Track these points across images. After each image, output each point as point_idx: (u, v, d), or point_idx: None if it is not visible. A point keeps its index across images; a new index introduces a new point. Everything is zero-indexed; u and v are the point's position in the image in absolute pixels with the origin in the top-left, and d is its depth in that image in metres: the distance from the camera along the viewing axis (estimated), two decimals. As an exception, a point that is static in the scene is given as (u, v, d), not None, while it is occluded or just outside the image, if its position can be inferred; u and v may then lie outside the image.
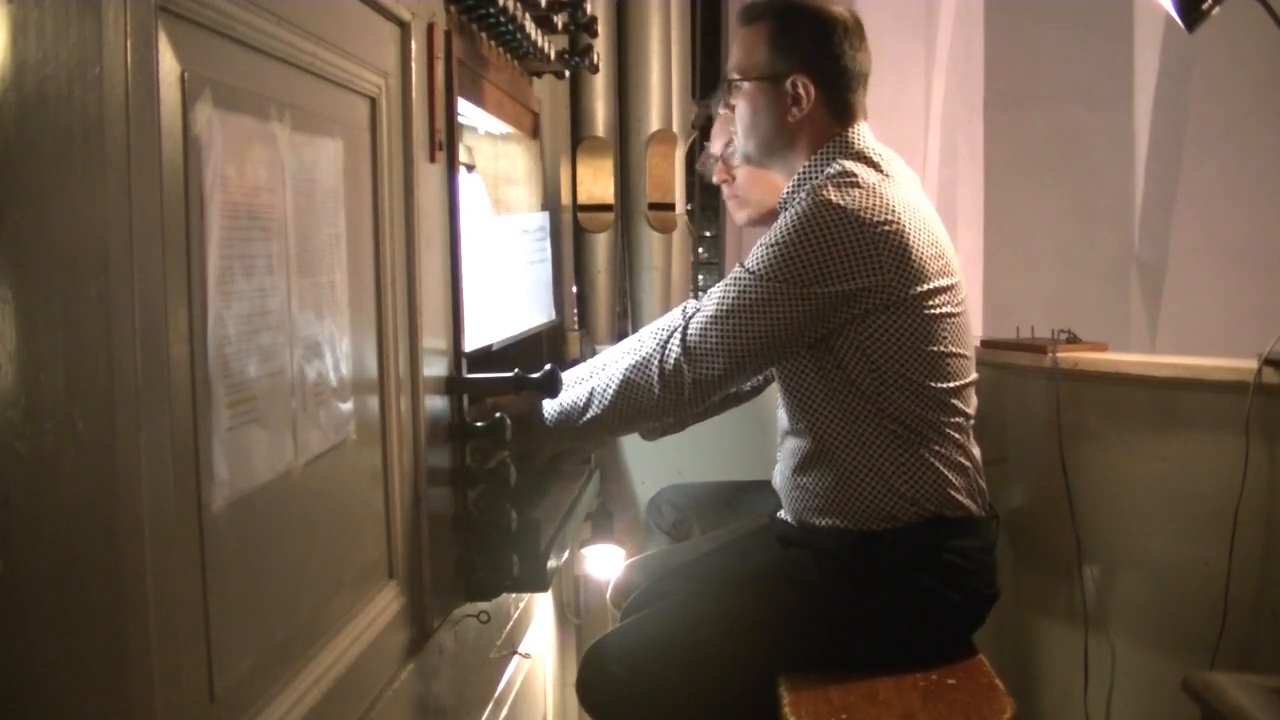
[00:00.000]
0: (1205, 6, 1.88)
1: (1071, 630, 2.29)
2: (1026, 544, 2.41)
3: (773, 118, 1.85)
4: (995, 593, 1.82)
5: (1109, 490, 2.23)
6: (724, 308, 1.71)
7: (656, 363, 1.75)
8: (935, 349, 1.72)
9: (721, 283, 1.76)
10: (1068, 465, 2.24)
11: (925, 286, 1.69)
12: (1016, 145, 3.60)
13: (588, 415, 1.79)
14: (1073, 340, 2.33)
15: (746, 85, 1.87)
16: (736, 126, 1.93)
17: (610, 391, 1.78)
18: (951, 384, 1.76)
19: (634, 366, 1.77)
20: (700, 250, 5.30)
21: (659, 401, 1.75)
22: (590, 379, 1.84)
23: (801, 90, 1.81)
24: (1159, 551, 2.16)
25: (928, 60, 3.97)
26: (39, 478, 0.65)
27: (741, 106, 1.89)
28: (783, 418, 1.90)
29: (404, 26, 1.33)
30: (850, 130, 1.83)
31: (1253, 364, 1.95)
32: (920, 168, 3.99)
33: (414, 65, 1.36)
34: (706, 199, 4.48)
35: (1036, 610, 2.41)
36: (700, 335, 1.72)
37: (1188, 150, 3.27)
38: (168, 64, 0.81)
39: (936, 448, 1.74)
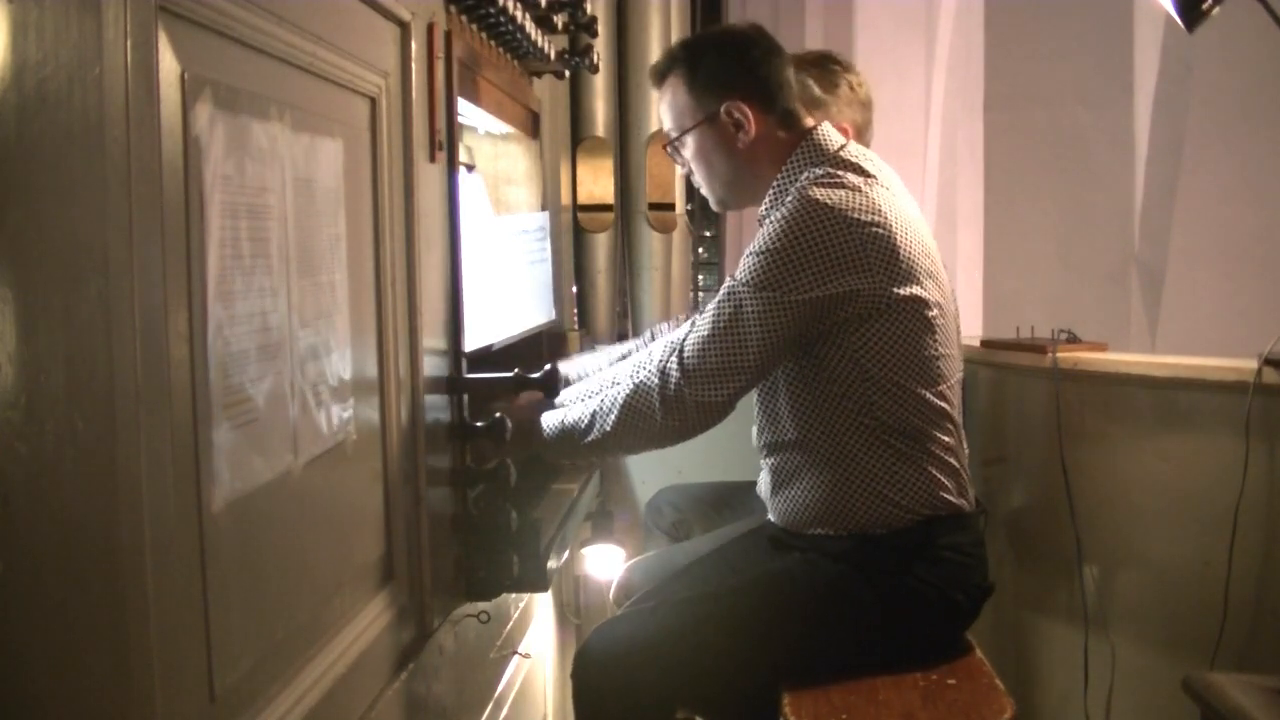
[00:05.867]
0: (1205, 6, 1.87)
1: (1071, 630, 2.29)
2: (1026, 544, 2.41)
3: (724, 153, 1.82)
4: (991, 585, 1.82)
5: (1109, 490, 2.22)
6: (720, 325, 1.67)
7: (656, 389, 1.68)
8: (926, 353, 1.71)
9: (714, 300, 1.71)
10: (1068, 465, 2.23)
11: (914, 288, 1.68)
12: (1016, 145, 3.60)
13: (590, 437, 1.74)
14: (1073, 340, 2.32)
15: (688, 137, 1.84)
16: (700, 183, 1.90)
17: (612, 417, 1.71)
18: (940, 386, 1.75)
19: (634, 392, 1.70)
20: (700, 250, 5.30)
21: (662, 428, 1.69)
22: (594, 397, 1.78)
23: (738, 114, 1.79)
24: (1159, 551, 2.16)
25: (928, 60, 3.98)
26: (39, 478, 0.65)
27: (694, 161, 1.86)
28: (757, 433, 1.87)
29: (404, 26, 1.34)
30: (815, 134, 1.81)
31: (1253, 364, 1.94)
32: (920, 168, 4.00)
33: (414, 65, 1.36)
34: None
35: (1036, 610, 2.41)
36: (699, 357, 1.67)
37: (1188, 150, 3.26)
38: (168, 64, 0.81)
39: (928, 453, 1.74)
